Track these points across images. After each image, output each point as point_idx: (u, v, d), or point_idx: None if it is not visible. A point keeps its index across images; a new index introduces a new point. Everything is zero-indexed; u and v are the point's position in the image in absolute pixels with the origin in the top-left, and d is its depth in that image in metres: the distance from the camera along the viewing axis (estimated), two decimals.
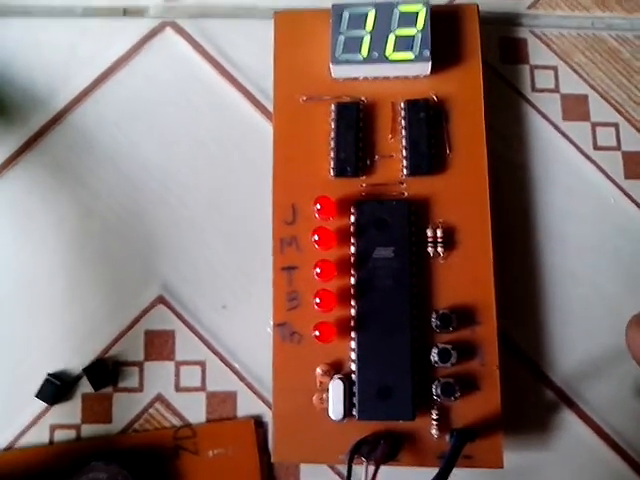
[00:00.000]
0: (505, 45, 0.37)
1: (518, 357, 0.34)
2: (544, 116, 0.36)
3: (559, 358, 0.34)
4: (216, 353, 0.35)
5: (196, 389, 0.35)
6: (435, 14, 0.33)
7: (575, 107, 0.37)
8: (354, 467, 0.29)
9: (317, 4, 0.36)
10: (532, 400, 0.34)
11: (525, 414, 0.34)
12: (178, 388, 0.35)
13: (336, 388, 0.31)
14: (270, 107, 0.37)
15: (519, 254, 0.34)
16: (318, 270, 0.31)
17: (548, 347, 0.34)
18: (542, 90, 0.37)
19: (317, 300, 0.31)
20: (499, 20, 0.36)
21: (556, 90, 0.37)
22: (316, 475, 0.34)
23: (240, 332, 0.35)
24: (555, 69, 0.37)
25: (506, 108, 0.36)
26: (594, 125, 0.37)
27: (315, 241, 0.32)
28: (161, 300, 0.35)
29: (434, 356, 0.31)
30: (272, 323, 0.32)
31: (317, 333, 0.31)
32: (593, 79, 0.37)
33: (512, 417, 0.32)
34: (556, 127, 0.37)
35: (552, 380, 0.34)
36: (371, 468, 0.30)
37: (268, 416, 0.34)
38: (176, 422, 0.34)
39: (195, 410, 0.34)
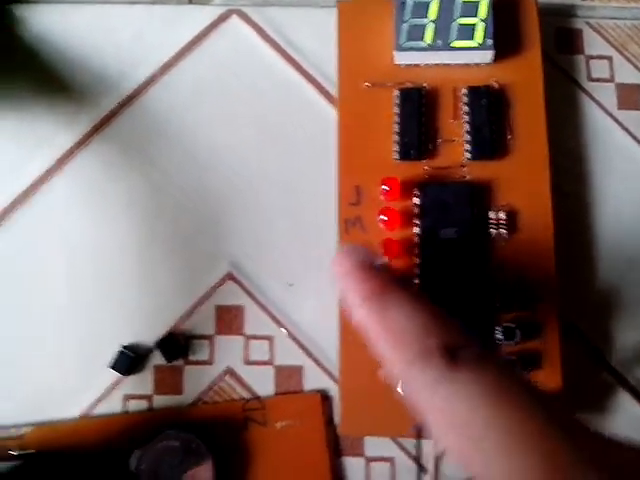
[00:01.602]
0: (561, 35, 0.37)
1: (577, 339, 0.34)
2: (599, 104, 0.37)
3: (616, 341, 0.34)
4: (284, 328, 0.35)
5: (264, 363, 0.35)
6: (496, 3, 0.33)
7: (630, 96, 0.37)
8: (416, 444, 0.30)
9: None
10: (590, 381, 0.34)
11: (583, 395, 0.34)
12: (247, 361, 0.35)
13: None
14: (332, 91, 0.37)
15: (577, 238, 0.34)
16: (384, 249, 0.32)
17: (605, 330, 0.35)
18: (597, 80, 0.37)
19: None
20: (555, 11, 0.36)
21: (611, 80, 0.37)
22: (380, 447, 0.34)
23: (306, 309, 0.35)
24: (610, 59, 0.38)
25: (562, 96, 0.36)
26: None
27: (382, 221, 0.32)
28: (230, 277, 0.35)
29: (499, 334, 0.31)
30: (339, 301, 0.32)
31: None
32: None
33: (571, 397, 0.32)
34: (611, 115, 0.37)
35: (610, 363, 0.34)
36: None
37: (334, 390, 0.34)
38: (245, 394, 0.35)
39: (263, 383, 0.35)
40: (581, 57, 0.37)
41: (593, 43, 0.38)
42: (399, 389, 0.29)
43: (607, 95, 0.37)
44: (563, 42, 0.37)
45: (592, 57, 0.37)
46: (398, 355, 0.24)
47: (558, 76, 0.35)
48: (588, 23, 0.38)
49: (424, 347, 0.23)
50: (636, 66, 0.37)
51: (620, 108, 0.37)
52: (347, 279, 0.26)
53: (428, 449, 0.30)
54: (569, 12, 0.37)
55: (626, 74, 0.37)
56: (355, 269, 0.26)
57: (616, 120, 0.36)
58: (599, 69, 0.37)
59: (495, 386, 0.22)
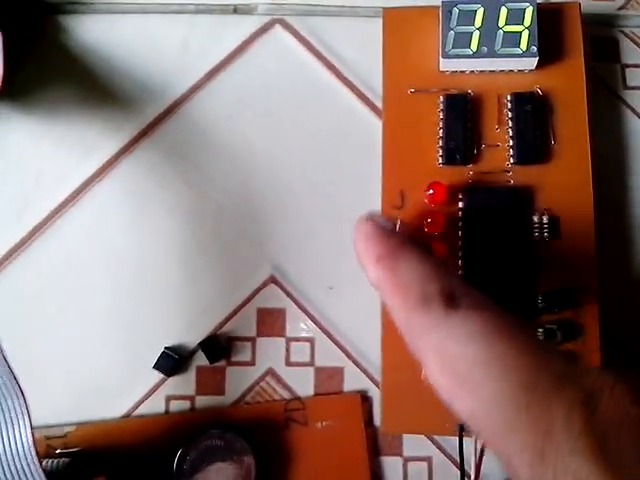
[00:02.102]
0: (597, 44, 0.37)
1: (617, 343, 0.34)
2: (635, 112, 0.37)
3: None
4: (324, 331, 0.35)
5: (305, 364, 0.35)
6: (540, 11, 0.33)
7: None
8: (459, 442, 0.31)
9: (419, 2, 0.37)
10: None
11: None
12: (288, 363, 0.35)
13: None
14: (375, 100, 0.37)
15: (618, 243, 0.34)
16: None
17: None
18: (633, 88, 0.37)
19: None
20: (591, 21, 0.36)
21: None
22: (417, 447, 0.34)
23: (346, 312, 0.35)
24: None
25: (599, 104, 0.36)
26: None
27: (427, 224, 0.32)
28: (272, 280, 0.36)
29: (540, 335, 0.31)
30: (381, 303, 0.33)
31: None
32: None
33: None
34: None
35: None
36: (480, 440, 0.30)
37: (373, 391, 0.35)
38: (286, 395, 0.35)
39: (304, 384, 0.35)
40: (617, 66, 0.37)
41: (629, 52, 0.38)
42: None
43: None
44: (599, 51, 0.37)
45: (628, 65, 0.37)
46: (403, 303, 0.25)
47: (595, 84, 0.35)
48: (623, 32, 0.38)
49: (425, 293, 0.24)
50: None
51: None
52: (365, 242, 0.27)
53: (470, 448, 0.29)
54: (605, 21, 0.38)
55: None
56: (372, 232, 0.27)
57: None
58: (635, 77, 0.37)
59: (487, 326, 0.23)
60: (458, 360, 0.23)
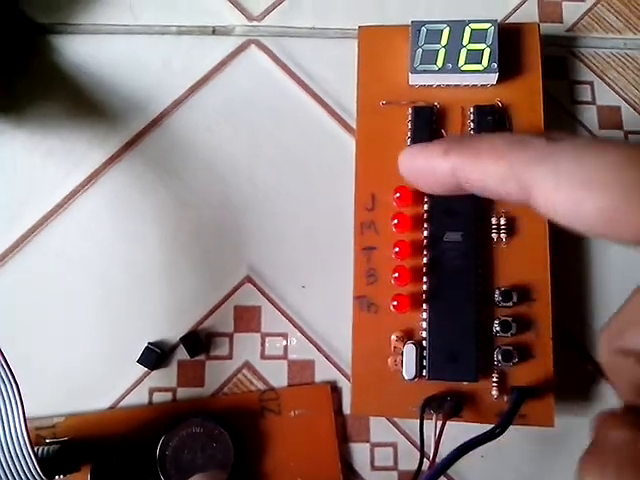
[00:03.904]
0: (548, 63, 0.38)
1: (565, 335, 0.35)
2: (583, 125, 0.38)
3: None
4: (297, 326, 0.36)
5: (279, 357, 0.36)
6: (501, 31, 0.35)
7: (610, 117, 0.39)
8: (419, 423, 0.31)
9: (388, 22, 0.38)
10: (576, 373, 0.35)
11: (569, 385, 0.35)
12: (263, 356, 0.36)
13: (410, 352, 0.32)
14: (343, 115, 0.38)
15: (571, 242, 0.36)
16: (397, 249, 0.33)
17: (593, 328, 0.36)
18: (580, 102, 0.38)
19: (395, 275, 0.32)
20: (543, 41, 0.37)
21: (592, 102, 0.38)
22: (384, 434, 0.35)
23: (318, 309, 0.36)
24: (592, 84, 0.39)
25: (550, 117, 0.36)
26: (626, 133, 0.38)
27: (394, 225, 0.33)
28: (249, 279, 0.36)
29: (496, 327, 0.33)
30: (352, 296, 0.34)
31: (395, 303, 0.32)
32: (626, 93, 0.39)
33: (558, 387, 0.33)
34: (593, 135, 0.38)
35: (593, 357, 0.35)
36: (439, 422, 0.31)
37: (342, 382, 0.35)
38: (261, 386, 0.35)
39: (278, 376, 0.36)
40: (565, 82, 0.39)
41: (576, 70, 0.39)
42: (405, 375, 0.30)
43: (589, 116, 0.38)
44: (549, 69, 0.38)
45: (575, 82, 0.38)
46: (499, 160, 0.23)
47: (545, 99, 0.36)
48: (571, 52, 0.39)
49: (521, 140, 0.23)
50: (615, 90, 0.38)
51: (601, 128, 0.38)
52: (420, 154, 0.26)
53: (429, 432, 0.30)
54: (554, 42, 0.39)
55: (606, 97, 0.39)
56: (424, 146, 0.27)
57: None
58: (582, 93, 0.38)
59: (593, 142, 0.22)
60: (576, 171, 0.21)
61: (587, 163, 0.21)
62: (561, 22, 0.40)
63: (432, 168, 0.26)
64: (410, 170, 0.27)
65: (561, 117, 0.38)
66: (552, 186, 0.22)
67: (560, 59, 0.39)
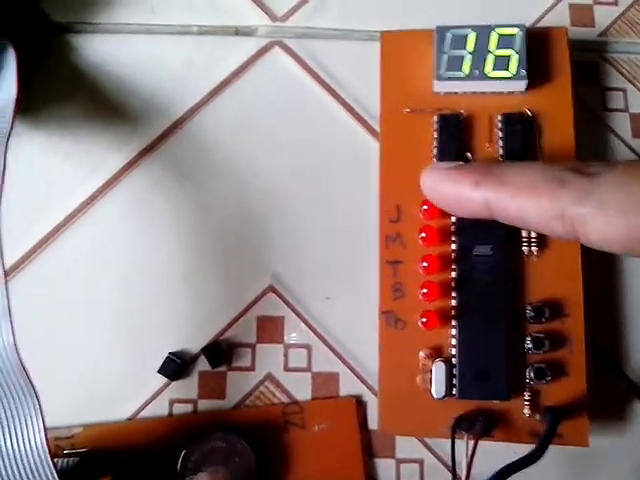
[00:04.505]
0: (579, 68, 0.37)
1: (598, 352, 0.34)
2: (615, 133, 0.36)
3: (635, 356, 0.34)
4: (321, 338, 0.35)
5: (302, 369, 0.35)
6: (528, 36, 0.33)
7: None
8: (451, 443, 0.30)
9: (413, 26, 0.36)
10: (610, 392, 0.34)
11: (604, 403, 0.34)
12: (286, 368, 0.35)
13: (439, 369, 0.31)
14: (368, 118, 0.37)
15: (603, 255, 0.34)
16: (425, 264, 0.31)
17: (626, 345, 0.35)
18: (612, 110, 0.37)
19: (424, 291, 0.31)
20: (573, 46, 0.35)
21: (625, 110, 0.37)
22: (410, 449, 0.34)
23: (342, 321, 0.35)
24: (624, 91, 0.38)
25: (582, 125, 0.35)
26: None
27: (421, 238, 0.32)
28: (271, 289, 0.35)
29: (528, 344, 0.31)
30: (378, 311, 0.33)
31: (424, 320, 0.31)
32: None
33: (592, 405, 0.32)
34: (625, 143, 0.37)
35: (628, 375, 0.34)
36: (470, 442, 0.30)
37: (367, 396, 0.34)
38: (284, 399, 0.34)
39: (301, 388, 0.34)
40: (597, 89, 0.37)
41: (608, 76, 0.38)
42: (434, 393, 0.29)
43: (622, 124, 0.37)
44: (580, 75, 0.37)
45: (607, 89, 0.37)
46: (535, 197, 0.23)
47: (577, 106, 0.35)
48: (603, 57, 0.38)
49: (555, 177, 0.23)
50: None
51: (635, 136, 0.37)
52: (447, 181, 0.26)
53: (461, 450, 0.29)
54: (586, 47, 0.38)
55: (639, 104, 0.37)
56: (450, 171, 0.26)
57: (630, 147, 0.36)
58: (614, 100, 0.37)
59: (629, 167, 0.22)
60: (624, 200, 0.21)
61: (634, 189, 0.21)
62: (593, 26, 0.39)
63: (462, 198, 0.26)
64: (435, 195, 0.28)
65: (593, 124, 0.37)
66: (604, 221, 0.21)
67: (592, 65, 0.38)
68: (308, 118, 0.37)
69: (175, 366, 0.34)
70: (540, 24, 0.38)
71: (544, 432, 0.30)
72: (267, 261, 0.36)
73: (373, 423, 0.34)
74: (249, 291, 0.36)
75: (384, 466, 0.34)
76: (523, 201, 0.24)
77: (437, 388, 0.31)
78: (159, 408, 0.34)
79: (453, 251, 0.32)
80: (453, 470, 0.29)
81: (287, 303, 0.35)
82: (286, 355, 0.35)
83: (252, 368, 0.35)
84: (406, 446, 0.34)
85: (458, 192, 0.27)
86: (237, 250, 0.36)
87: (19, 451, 0.28)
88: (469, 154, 0.33)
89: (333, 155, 0.37)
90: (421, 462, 0.34)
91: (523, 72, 0.33)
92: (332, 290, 0.35)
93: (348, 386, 0.35)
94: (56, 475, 0.27)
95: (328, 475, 0.33)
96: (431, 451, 0.34)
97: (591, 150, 0.36)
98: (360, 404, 0.34)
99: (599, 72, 0.38)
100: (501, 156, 0.33)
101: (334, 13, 0.39)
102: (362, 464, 0.33)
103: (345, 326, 0.35)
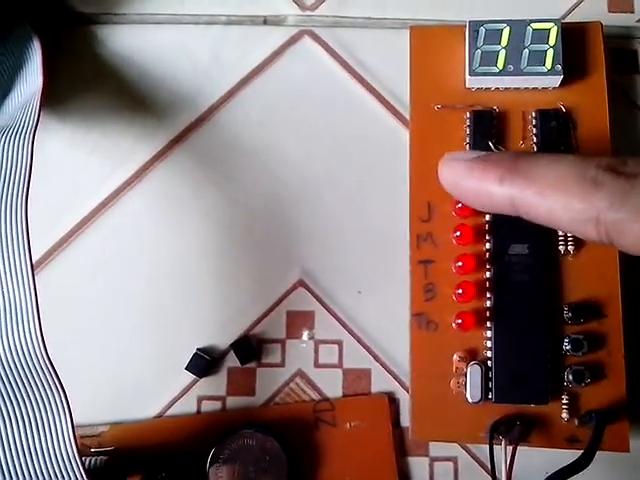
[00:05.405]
0: (617, 56, 0.35)
1: (637, 353, 0.32)
2: None
3: None
4: (352, 334, 0.34)
5: (333, 366, 0.34)
6: (564, 30, 0.32)
7: None
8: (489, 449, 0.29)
9: (445, 17, 0.36)
10: None
11: None
12: (317, 364, 0.34)
13: (474, 373, 0.30)
14: (399, 108, 0.36)
15: None
16: (460, 264, 0.30)
17: None
18: None
19: (459, 291, 0.30)
20: (610, 33, 0.34)
21: None
22: (444, 448, 0.33)
23: (374, 316, 0.34)
24: None
25: (620, 115, 0.34)
26: None
27: (455, 237, 0.31)
28: (301, 283, 0.34)
29: (566, 345, 0.30)
30: (409, 313, 0.31)
31: (459, 322, 0.30)
32: None
33: (632, 409, 0.30)
34: None
35: None
36: (509, 448, 0.29)
37: (400, 393, 0.33)
38: (314, 396, 0.33)
39: (332, 385, 0.33)
40: (637, 77, 0.35)
41: None
42: (469, 397, 0.27)
43: None
44: (619, 63, 0.35)
45: None
46: (566, 197, 0.21)
47: (615, 96, 0.33)
48: None
49: (586, 177, 0.21)
50: None
51: None
52: (469, 177, 0.24)
53: (500, 455, 0.28)
54: (624, 33, 0.36)
55: None
56: (472, 164, 0.24)
57: None
58: None
59: None
60: None
61: None
62: (632, 12, 0.36)
63: (486, 193, 0.24)
64: (456, 188, 0.26)
65: (632, 114, 0.35)
66: None
67: (631, 53, 0.36)
68: (339, 108, 0.36)
69: (203, 363, 0.33)
70: (577, 10, 0.36)
71: (590, 437, 0.28)
72: (297, 255, 0.35)
73: (405, 420, 0.32)
74: (279, 285, 0.34)
75: (417, 464, 0.33)
76: (552, 201, 0.22)
77: (472, 392, 0.30)
78: (187, 406, 0.33)
79: (487, 250, 0.31)
80: (493, 476, 0.28)
81: (317, 298, 0.34)
82: (316, 351, 0.34)
83: (282, 364, 0.34)
84: (439, 444, 0.33)
85: (482, 187, 0.24)
86: (266, 243, 0.35)
87: (47, 449, 0.27)
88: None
89: (364, 144, 0.35)
90: (455, 460, 0.33)
91: (559, 67, 0.32)
92: (363, 285, 0.34)
93: (380, 383, 0.33)
94: (84, 473, 0.27)
95: (360, 474, 0.32)
96: (465, 449, 0.32)
97: (629, 140, 0.34)
98: (392, 401, 0.33)
99: (638, 59, 0.36)
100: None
101: (364, 1, 0.37)
102: (395, 462, 0.32)
103: (377, 321, 0.34)
